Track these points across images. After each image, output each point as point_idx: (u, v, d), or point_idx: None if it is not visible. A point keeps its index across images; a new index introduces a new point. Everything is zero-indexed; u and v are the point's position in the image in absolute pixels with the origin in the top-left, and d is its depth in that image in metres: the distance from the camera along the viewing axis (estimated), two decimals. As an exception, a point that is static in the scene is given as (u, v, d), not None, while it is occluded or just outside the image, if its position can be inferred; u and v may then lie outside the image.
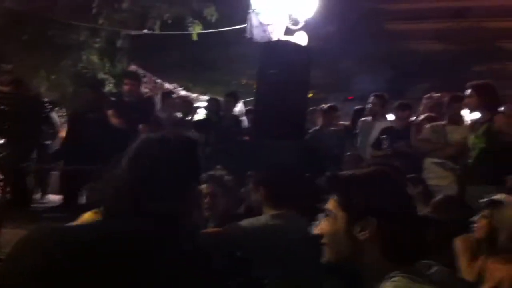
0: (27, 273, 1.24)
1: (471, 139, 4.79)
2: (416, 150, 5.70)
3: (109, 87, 12.01)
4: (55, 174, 8.25)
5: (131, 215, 1.43)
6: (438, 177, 5.19)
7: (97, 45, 11.94)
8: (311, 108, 7.72)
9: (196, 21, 11.14)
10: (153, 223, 1.41)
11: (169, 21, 11.33)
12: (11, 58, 11.20)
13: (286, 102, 5.99)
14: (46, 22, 11.02)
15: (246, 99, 9.84)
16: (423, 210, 3.29)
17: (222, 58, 15.09)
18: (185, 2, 11.22)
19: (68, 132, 7.35)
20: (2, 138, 4.83)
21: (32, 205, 7.27)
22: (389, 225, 1.53)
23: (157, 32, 11.44)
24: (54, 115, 7.15)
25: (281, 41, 6.58)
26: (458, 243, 3.01)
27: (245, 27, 7.02)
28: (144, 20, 11.45)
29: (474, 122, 4.98)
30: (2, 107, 4.92)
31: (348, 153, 6.12)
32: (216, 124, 7.37)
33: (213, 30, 11.26)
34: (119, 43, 11.92)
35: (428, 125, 5.66)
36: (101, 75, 12.22)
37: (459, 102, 5.35)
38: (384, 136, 6.08)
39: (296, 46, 6.55)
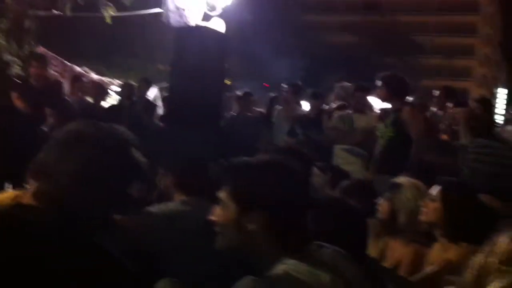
0: None
1: (381, 128, 4.98)
2: (327, 137, 5.88)
3: (15, 70, 11.39)
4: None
5: None
6: (346, 163, 5.36)
7: (3, 26, 11.27)
8: (227, 94, 7.72)
9: (110, 3, 10.76)
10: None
11: (82, 3, 10.87)
12: None
13: (201, 88, 5.92)
14: None
15: (163, 86, 9.65)
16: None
17: (139, 43, 14.74)
18: (99, -17, 10.78)
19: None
20: None
21: None
22: (277, 217, 1.55)
23: (68, 14, 10.94)
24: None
25: (198, 26, 6.47)
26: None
27: (162, 11, 6.84)
28: (54, 1, 10.92)
29: (384, 112, 5.18)
30: None
31: (262, 140, 6.19)
32: (127, 109, 7.18)
33: (127, 13, 10.91)
34: (26, 24, 11.32)
35: (336, 114, 5.88)
36: (7, 57, 11.56)
37: (362, 91, 5.60)
38: (297, 124, 6.22)
39: (213, 32, 6.46)
